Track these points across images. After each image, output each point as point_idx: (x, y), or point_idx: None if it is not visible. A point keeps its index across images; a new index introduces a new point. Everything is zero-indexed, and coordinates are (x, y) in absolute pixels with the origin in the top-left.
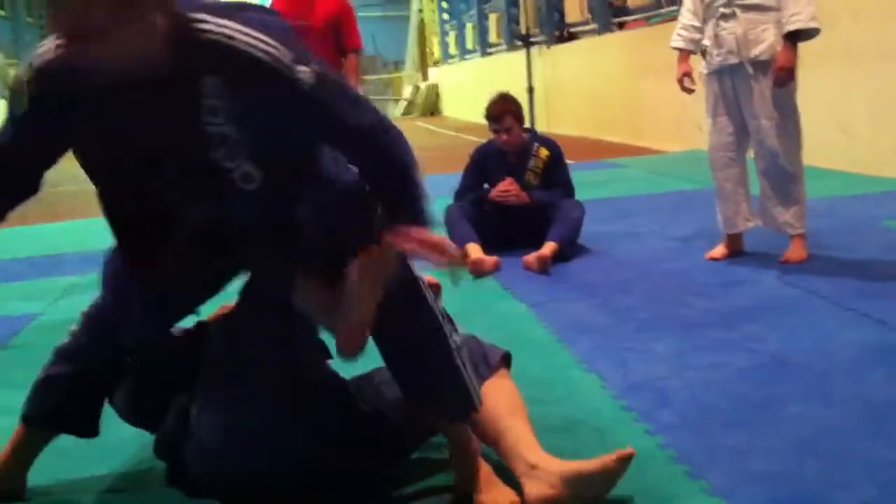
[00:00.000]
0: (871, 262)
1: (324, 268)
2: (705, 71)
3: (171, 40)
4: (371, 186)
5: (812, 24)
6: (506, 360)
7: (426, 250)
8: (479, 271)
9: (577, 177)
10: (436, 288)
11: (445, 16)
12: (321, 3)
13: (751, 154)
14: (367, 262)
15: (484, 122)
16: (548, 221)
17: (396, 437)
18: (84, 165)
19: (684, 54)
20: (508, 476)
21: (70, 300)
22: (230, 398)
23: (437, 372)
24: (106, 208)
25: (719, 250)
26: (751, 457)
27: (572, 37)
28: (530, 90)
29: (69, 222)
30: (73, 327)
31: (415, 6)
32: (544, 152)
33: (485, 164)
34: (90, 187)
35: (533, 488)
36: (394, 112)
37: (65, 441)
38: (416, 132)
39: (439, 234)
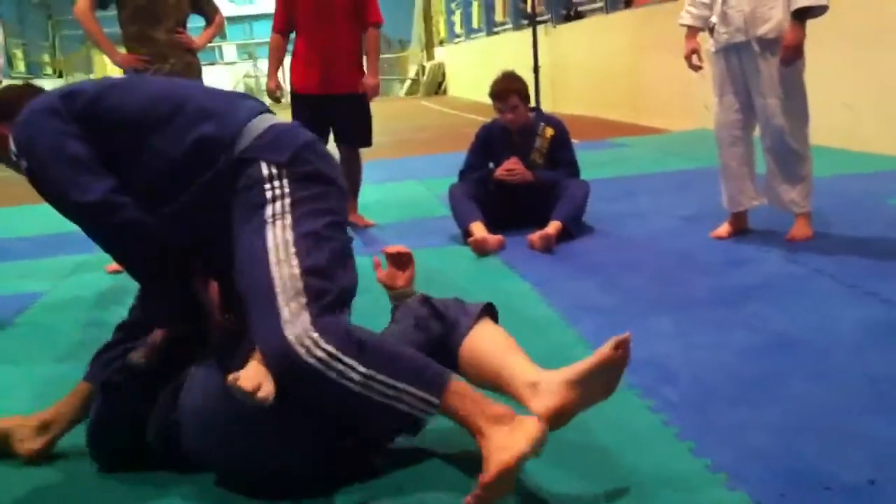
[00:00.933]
0: (876, 240)
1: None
2: (712, 49)
3: None
4: None
5: (820, 2)
6: (488, 311)
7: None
8: (483, 250)
9: (582, 156)
10: (406, 257)
11: None
12: None
13: (757, 132)
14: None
15: (489, 101)
16: (552, 200)
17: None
18: None
19: (692, 31)
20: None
21: (76, 279)
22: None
23: (367, 419)
24: None
25: (724, 229)
26: (753, 434)
27: (579, 15)
28: (536, 69)
29: None
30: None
31: None
32: (549, 131)
33: (489, 143)
34: None
35: (539, 404)
36: (399, 91)
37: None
38: (421, 111)
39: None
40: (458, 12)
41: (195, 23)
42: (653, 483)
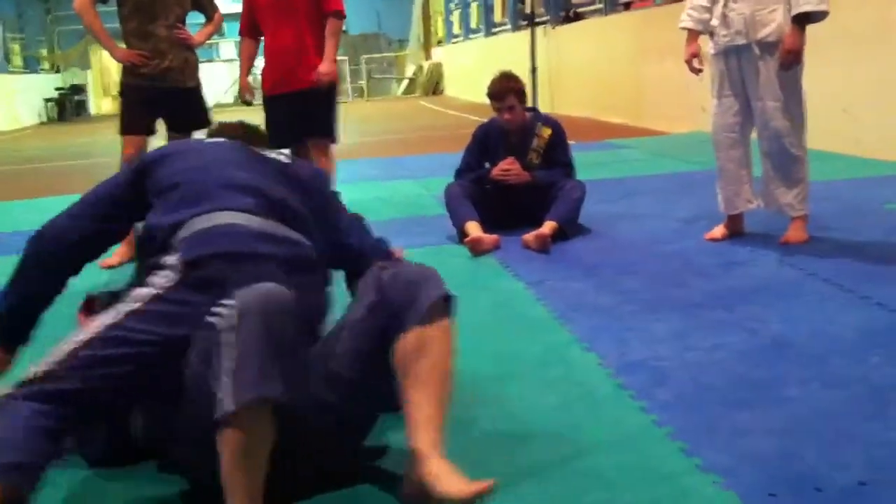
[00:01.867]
0: (873, 244)
1: None
2: (712, 51)
3: None
4: None
5: (821, 7)
6: (441, 305)
7: None
8: (478, 249)
9: (579, 157)
10: (398, 254)
11: None
12: None
13: (754, 135)
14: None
15: (487, 102)
16: (548, 201)
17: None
18: None
19: (693, 35)
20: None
21: None
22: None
23: None
24: None
25: (719, 231)
26: (748, 436)
27: (578, 17)
28: (534, 70)
29: (71, 196)
30: None
31: None
32: (546, 131)
33: (486, 143)
34: (93, 161)
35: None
36: (396, 91)
37: None
38: (418, 111)
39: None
40: (456, 12)
41: (193, 19)
42: (641, 482)
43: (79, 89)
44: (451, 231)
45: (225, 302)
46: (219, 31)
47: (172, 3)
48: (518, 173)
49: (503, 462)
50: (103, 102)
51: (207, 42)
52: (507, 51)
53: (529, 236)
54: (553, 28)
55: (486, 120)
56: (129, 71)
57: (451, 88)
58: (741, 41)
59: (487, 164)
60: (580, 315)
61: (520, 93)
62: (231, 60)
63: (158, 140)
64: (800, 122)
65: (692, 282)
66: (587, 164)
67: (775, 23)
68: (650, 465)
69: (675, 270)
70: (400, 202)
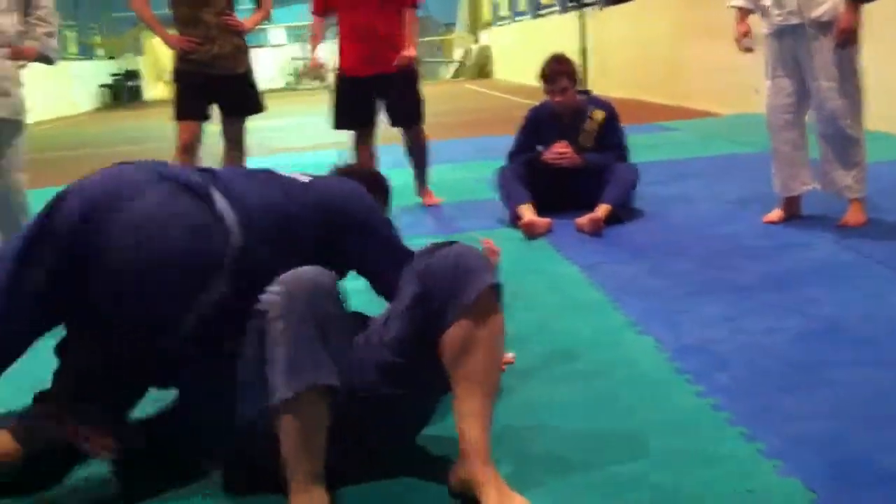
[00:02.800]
0: None
1: None
2: (765, 31)
3: None
4: None
5: None
6: (489, 294)
7: None
8: (531, 233)
9: (629, 139)
10: (493, 254)
11: None
12: None
13: (810, 117)
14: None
15: (535, 84)
16: (601, 184)
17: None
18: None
19: (743, 13)
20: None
21: None
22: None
23: None
24: None
25: (776, 213)
26: (806, 420)
27: None
28: (584, 52)
29: None
30: None
31: None
32: (599, 114)
33: (539, 126)
34: (148, 146)
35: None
36: (444, 75)
37: None
38: (466, 94)
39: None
40: None
41: (243, 5)
42: (704, 467)
43: (132, 75)
44: (503, 214)
45: (272, 288)
46: (268, 18)
47: None
48: (571, 157)
49: (561, 443)
50: (157, 88)
51: (256, 28)
52: (555, 32)
53: (583, 219)
54: (601, 9)
55: (535, 103)
56: (180, 57)
57: (499, 71)
58: (795, 21)
59: (540, 147)
60: (634, 298)
61: (572, 75)
62: (279, 46)
63: (213, 125)
64: (856, 103)
65: (745, 265)
66: (636, 146)
67: (829, 2)
68: (711, 449)
69: (728, 253)
70: (450, 186)
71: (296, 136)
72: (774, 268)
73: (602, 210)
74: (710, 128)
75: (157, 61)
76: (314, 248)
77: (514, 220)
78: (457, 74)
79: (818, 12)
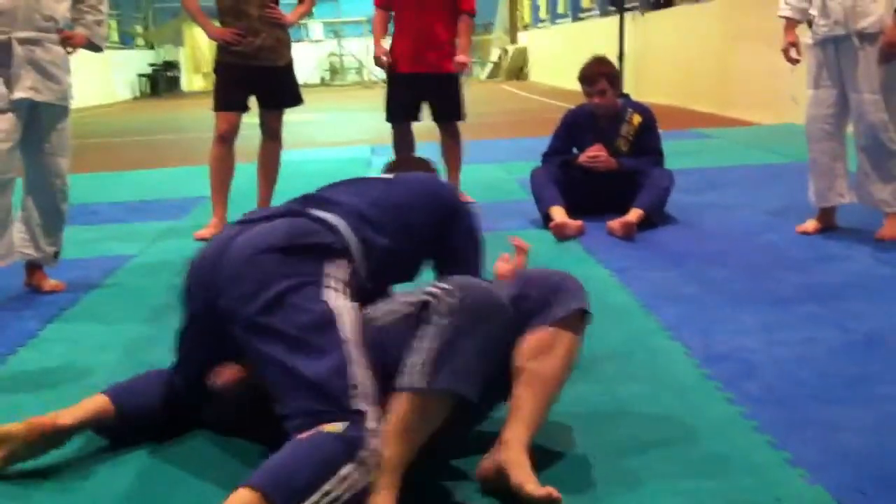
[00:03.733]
0: None
1: None
2: (810, 41)
3: None
4: None
5: None
6: (578, 317)
7: None
8: (562, 234)
9: (665, 145)
10: (522, 251)
11: None
12: None
13: (850, 129)
14: None
15: (573, 87)
16: (635, 188)
17: None
18: None
19: (791, 24)
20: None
21: (164, 244)
22: None
23: None
24: None
25: (811, 224)
26: (838, 432)
27: (669, 3)
28: (621, 56)
29: (164, 169)
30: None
31: None
32: (637, 118)
33: (575, 128)
34: (185, 136)
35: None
36: (479, 75)
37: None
38: (502, 95)
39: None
40: None
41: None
42: (729, 473)
43: (171, 66)
44: (535, 215)
45: (443, 285)
46: (310, 12)
47: None
48: (605, 160)
49: (590, 447)
50: (195, 79)
51: (298, 22)
52: (594, 36)
53: (615, 223)
54: (642, 14)
55: (573, 106)
56: (223, 49)
57: (535, 73)
58: (840, 31)
59: (575, 150)
60: (665, 303)
61: (612, 77)
62: (319, 41)
63: (251, 117)
64: None
65: (781, 275)
66: (672, 152)
67: (877, 13)
68: (737, 456)
69: (763, 262)
70: (484, 186)
71: (329, 131)
72: (811, 279)
73: (635, 214)
74: (747, 136)
75: (196, 53)
76: (433, 234)
77: (546, 222)
78: (492, 75)
79: (864, 24)
